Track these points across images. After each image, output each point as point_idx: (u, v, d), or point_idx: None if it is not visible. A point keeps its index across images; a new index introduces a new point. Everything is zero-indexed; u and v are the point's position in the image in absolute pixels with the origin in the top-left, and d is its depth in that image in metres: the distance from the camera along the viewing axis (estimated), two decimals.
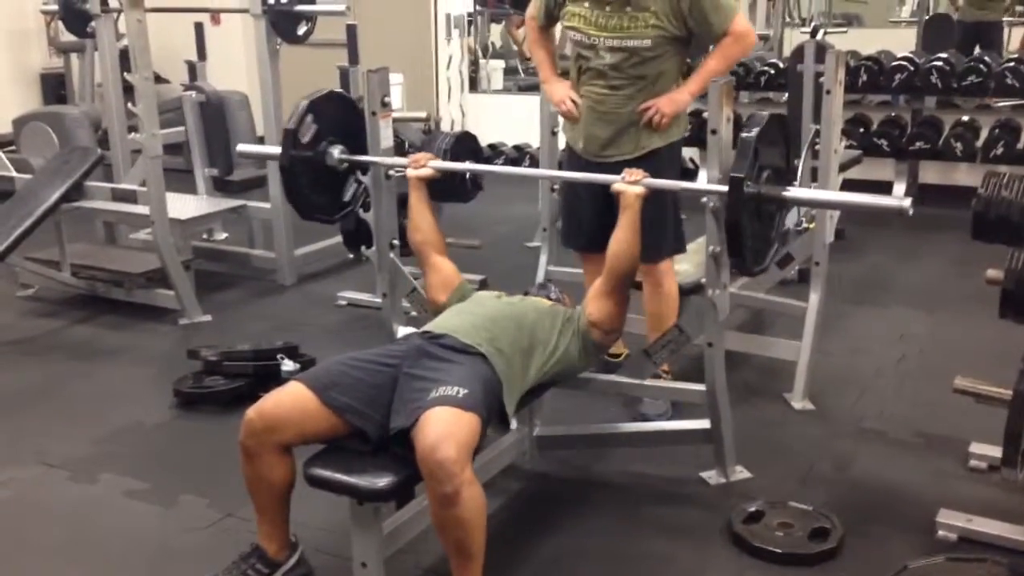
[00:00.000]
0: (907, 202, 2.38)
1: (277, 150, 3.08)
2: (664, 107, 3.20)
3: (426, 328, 2.58)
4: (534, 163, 7.09)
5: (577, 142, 3.38)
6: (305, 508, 2.51)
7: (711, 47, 3.36)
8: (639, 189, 2.72)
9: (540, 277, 4.19)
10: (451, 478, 2.08)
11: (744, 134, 2.48)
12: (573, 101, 3.33)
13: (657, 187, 2.79)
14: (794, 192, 2.58)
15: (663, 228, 3.31)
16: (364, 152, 3.17)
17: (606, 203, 3.36)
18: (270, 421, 2.30)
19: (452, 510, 2.12)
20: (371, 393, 2.33)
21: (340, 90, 3.16)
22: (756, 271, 2.64)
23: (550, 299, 2.94)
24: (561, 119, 3.55)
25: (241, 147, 3.48)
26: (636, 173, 2.75)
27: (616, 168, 3.27)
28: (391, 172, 3.56)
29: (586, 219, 3.44)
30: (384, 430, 2.29)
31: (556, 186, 3.91)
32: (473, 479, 2.14)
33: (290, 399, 2.33)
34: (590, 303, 2.78)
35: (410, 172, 3.02)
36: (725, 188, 2.46)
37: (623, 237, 2.72)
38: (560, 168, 3.58)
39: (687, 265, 3.59)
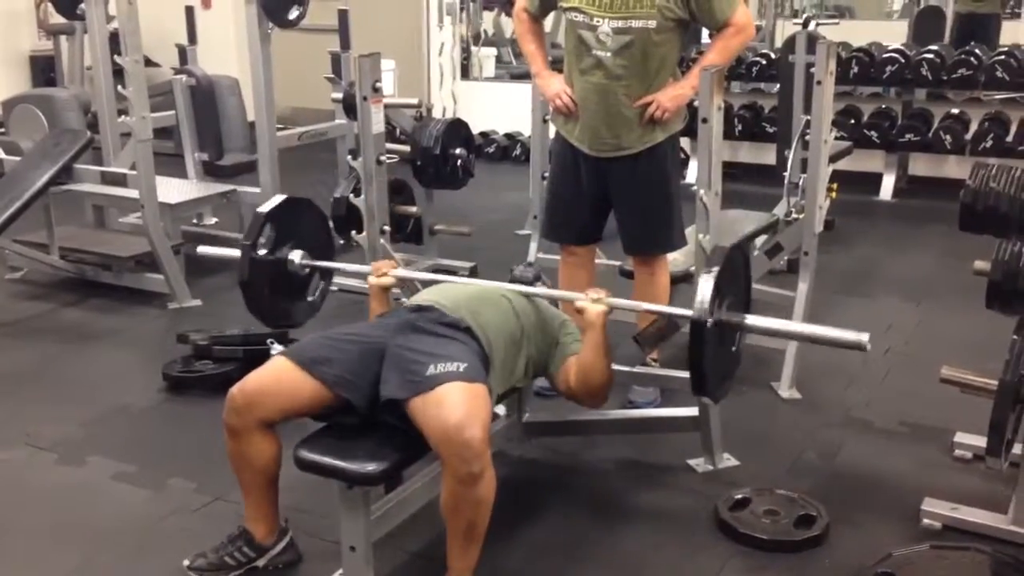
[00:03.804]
0: (864, 337, 2.29)
1: (236, 253, 2.85)
2: (666, 103, 3.14)
3: (413, 301, 2.58)
4: (525, 151, 7.09)
5: (582, 141, 3.26)
6: (294, 491, 2.52)
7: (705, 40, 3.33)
8: (602, 307, 2.51)
9: None
10: (478, 458, 2.08)
11: (704, 274, 2.36)
12: (569, 95, 3.23)
13: (620, 307, 2.64)
14: (754, 320, 2.50)
15: (669, 223, 3.28)
16: (326, 252, 3.03)
17: (600, 196, 3.36)
18: (252, 396, 2.30)
19: (472, 490, 2.11)
20: (359, 364, 2.32)
21: (295, 197, 2.95)
22: (720, 396, 2.59)
23: (536, 279, 2.90)
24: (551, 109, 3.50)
25: (201, 249, 3.22)
26: (598, 291, 2.58)
27: (621, 163, 3.25)
28: (382, 158, 3.58)
29: (577, 212, 3.36)
30: (372, 400, 2.28)
31: (546, 174, 3.88)
32: (491, 460, 2.15)
33: (273, 374, 2.33)
34: (572, 376, 2.59)
35: (371, 280, 2.79)
36: (690, 312, 2.35)
37: (591, 360, 2.52)
38: (551, 158, 3.50)
39: (676, 254, 3.59)
